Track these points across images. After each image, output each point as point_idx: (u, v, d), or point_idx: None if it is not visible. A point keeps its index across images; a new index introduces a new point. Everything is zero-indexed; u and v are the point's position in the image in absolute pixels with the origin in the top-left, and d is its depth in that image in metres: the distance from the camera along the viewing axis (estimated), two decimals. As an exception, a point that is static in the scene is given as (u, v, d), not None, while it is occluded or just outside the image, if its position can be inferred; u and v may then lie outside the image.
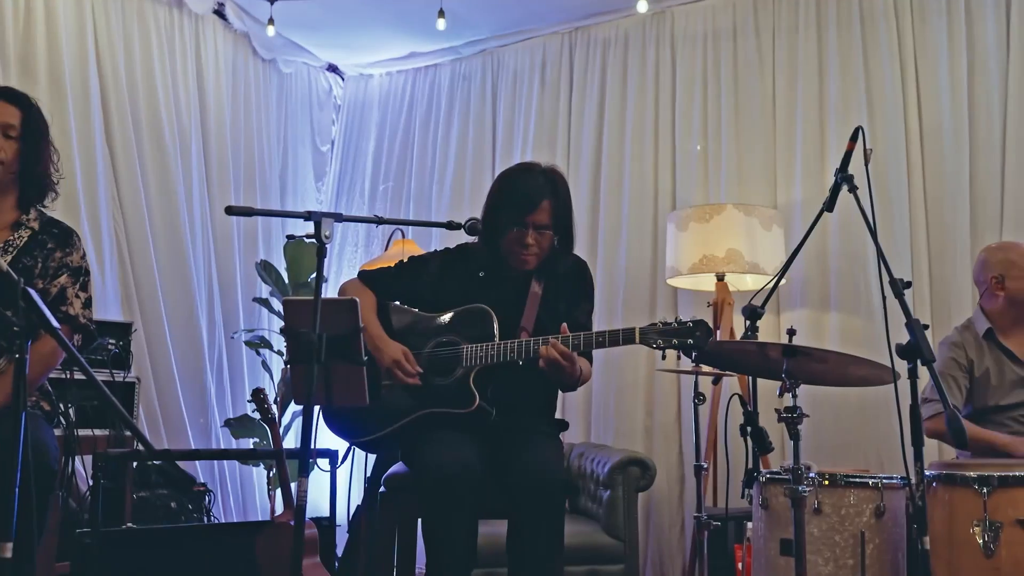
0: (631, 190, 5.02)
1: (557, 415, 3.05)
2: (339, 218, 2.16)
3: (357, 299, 2.29)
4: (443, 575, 2.58)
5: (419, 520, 2.89)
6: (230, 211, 2.08)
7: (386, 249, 5.04)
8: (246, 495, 5.27)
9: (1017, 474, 2.46)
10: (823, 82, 4.66)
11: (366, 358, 2.24)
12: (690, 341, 2.51)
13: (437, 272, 2.95)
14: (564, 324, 2.65)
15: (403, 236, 4.96)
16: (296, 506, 2.00)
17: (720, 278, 4.30)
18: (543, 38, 5.48)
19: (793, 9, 4.78)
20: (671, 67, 5.06)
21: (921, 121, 4.43)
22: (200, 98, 5.23)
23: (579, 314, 2.87)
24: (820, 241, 4.47)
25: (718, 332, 4.33)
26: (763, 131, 4.76)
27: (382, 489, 2.80)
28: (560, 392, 2.96)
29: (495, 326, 2.73)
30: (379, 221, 2.38)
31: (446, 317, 2.82)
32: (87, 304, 2.57)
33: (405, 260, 3.00)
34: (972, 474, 2.47)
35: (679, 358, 2.63)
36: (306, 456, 2.01)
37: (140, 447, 1.61)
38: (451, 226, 2.51)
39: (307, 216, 2.11)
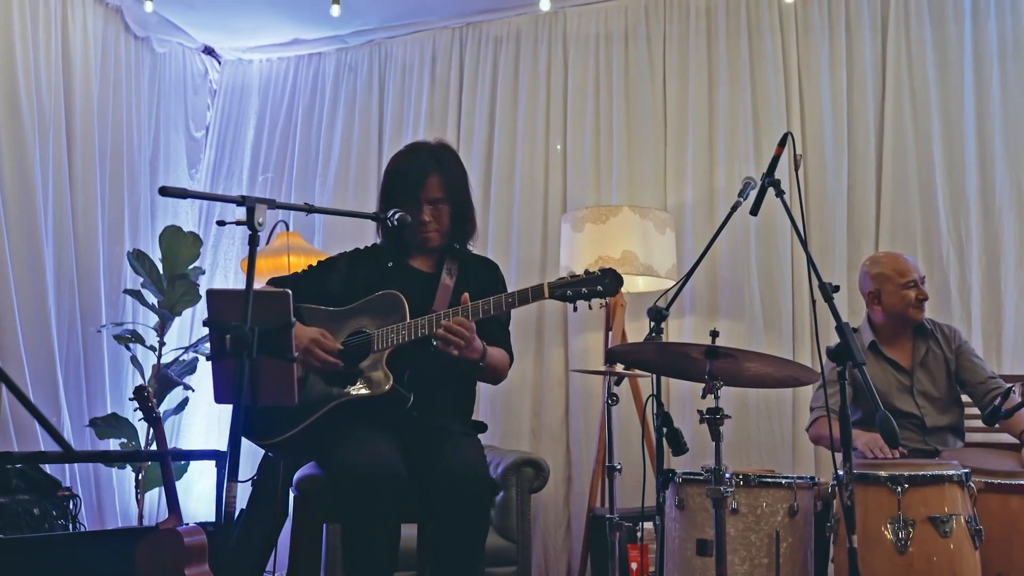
0: (522, 189, 5.00)
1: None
2: (272, 204, 2.03)
3: (289, 291, 2.15)
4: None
5: (324, 524, 2.78)
6: (164, 192, 1.91)
7: (268, 242, 4.84)
8: (103, 499, 4.91)
9: (926, 473, 2.56)
10: (712, 90, 4.77)
11: (297, 354, 2.11)
12: (600, 288, 2.54)
13: (347, 269, 2.89)
14: (465, 295, 2.61)
15: (287, 228, 4.77)
16: (224, 512, 1.85)
17: (613, 279, 4.32)
18: (433, 32, 5.38)
19: (684, 18, 4.87)
20: (563, 68, 5.07)
21: (804, 131, 4.59)
22: (65, 74, 4.85)
23: None
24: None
25: (610, 334, 4.36)
26: (654, 135, 4.82)
27: (294, 493, 2.65)
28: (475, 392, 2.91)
29: (405, 307, 2.65)
30: (310, 210, 2.26)
31: (356, 308, 2.74)
32: None
33: (314, 264, 2.94)
34: (884, 474, 2.56)
35: (590, 307, 2.62)
36: (236, 458, 1.87)
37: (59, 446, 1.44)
38: (377, 218, 2.40)
39: (241, 201, 1.97)
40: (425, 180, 2.77)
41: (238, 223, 1.98)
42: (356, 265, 2.90)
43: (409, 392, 2.62)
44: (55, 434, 1.58)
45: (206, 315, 2.07)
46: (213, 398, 2.10)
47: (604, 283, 2.53)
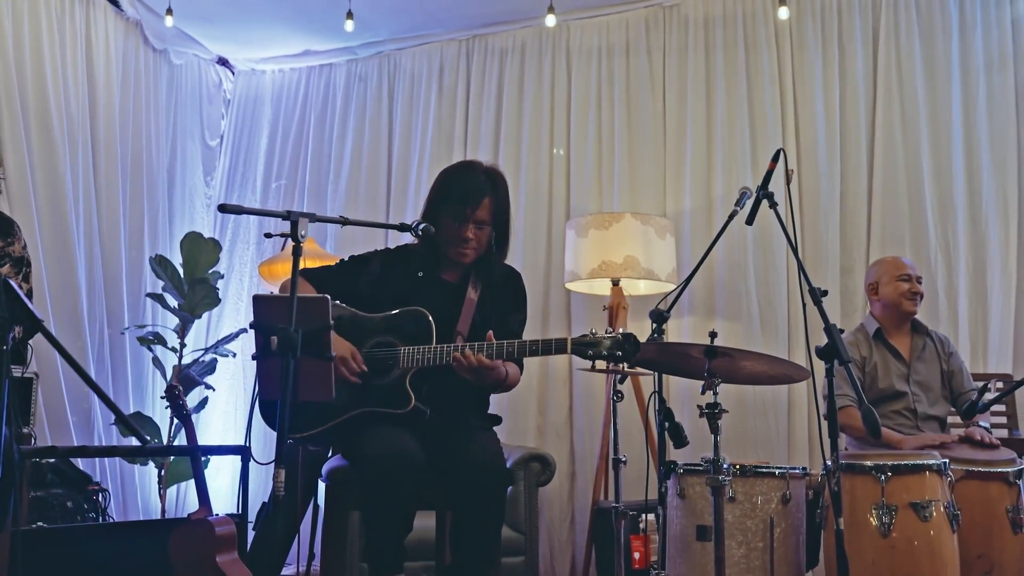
0: (527, 197, 5.19)
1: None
2: (313, 218, 2.23)
3: (328, 296, 2.34)
4: (381, 564, 2.67)
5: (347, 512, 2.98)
6: (223, 209, 2.11)
7: (283, 248, 5.03)
8: (126, 494, 5.12)
9: (908, 463, 2.78)
10: (710, 101, 4.97)
11: (334, 354, 2.30)
12: (619, 353, 2.66)
13: (378, 271, 3.00)
14: (490, 332, 2.76)
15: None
16: (271, 495, 2.05)
17: (616, 283, 4.52)
18: (440, 44, 5.58)
19: (683, 32, 5.07)
20: (566, 79, 5.27)
21: (798, 141, 4.80)
22: (89, 86, 5.06)
23: (512, 323, 3.00)
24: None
25: (613, 334, 4.55)
26: (654, 144, 5.02)
27: (325, 483, 2.85)
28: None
29: (432, 329, 2.79)
30: (344, 222, 2.45)
31: (385, 317, 2.88)
32: (28, 295, 2.51)
33: (346, 259, 3.04)
34: (870, 463, 2.77)
35: (607, 367, 2.78)
36: (282, 447, 2.07)
37: (135, 440, 1.63)
38: (404, 228, 2.59)
39: (286, 215, 2.17)
40: (480, 201, 2.87)
41: (283, 235, 2.17)
42: (387, 268, 3.01)
43: (426, 407, 2.78)
44: (134, 430, 1.77)
45: (252, 319, 2.26)
46: (258, 393, 2.29)
47: (624, 348, 2.65)
